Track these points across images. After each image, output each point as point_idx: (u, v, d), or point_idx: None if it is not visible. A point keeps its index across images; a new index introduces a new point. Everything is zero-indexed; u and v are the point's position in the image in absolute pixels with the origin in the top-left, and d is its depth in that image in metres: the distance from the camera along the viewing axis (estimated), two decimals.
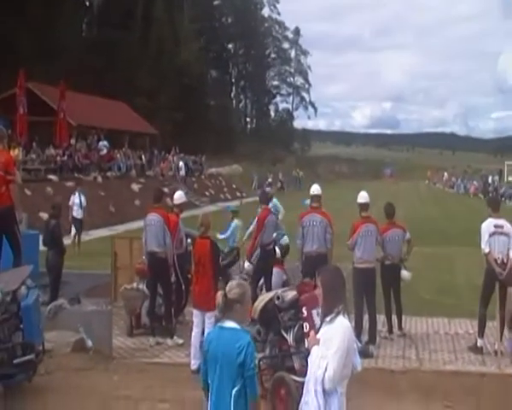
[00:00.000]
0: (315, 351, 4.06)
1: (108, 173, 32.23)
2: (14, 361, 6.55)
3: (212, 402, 3.88)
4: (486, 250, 8.51)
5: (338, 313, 4.03)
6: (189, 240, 9.86)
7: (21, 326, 6.75)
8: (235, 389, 3.77)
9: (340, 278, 4.20)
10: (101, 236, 21.15)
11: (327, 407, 3.93)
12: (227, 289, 4.00)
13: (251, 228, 11.16)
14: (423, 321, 10.36)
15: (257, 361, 3.98)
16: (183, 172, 39.97)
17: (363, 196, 9.38)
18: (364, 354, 7.79)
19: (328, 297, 4.10)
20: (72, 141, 31.52)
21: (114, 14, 51.46)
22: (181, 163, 40.55)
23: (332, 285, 4.12)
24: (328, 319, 4.08)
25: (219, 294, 4.01)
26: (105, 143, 33.93)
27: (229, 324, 3.91)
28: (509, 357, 8.36)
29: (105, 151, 33.30)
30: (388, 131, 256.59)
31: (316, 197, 9.67)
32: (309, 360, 4.13)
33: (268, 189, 21.73)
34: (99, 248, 16.71)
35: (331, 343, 3.96)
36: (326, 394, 3.92)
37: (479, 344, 8.73)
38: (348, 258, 9.36)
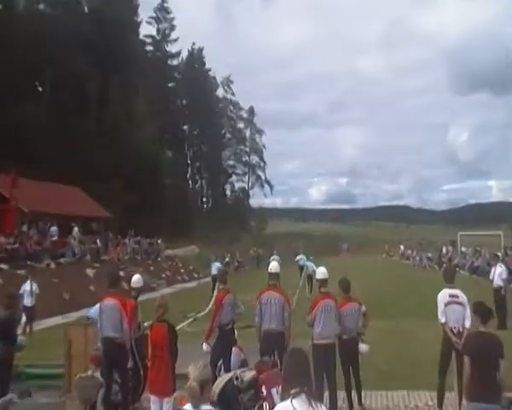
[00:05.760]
0: None
1: (62, 259, 31.51)
2: None
3: None
4: (443, 320, 8.61)
5: (292, 397, 3.80)
6: (145, 324, 9.67)
7: None
8: None
9: (296, 359, 4.00)
10: (55, 324, 20.52)
11: None
12: (196, 372, 3.89)
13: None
14: (383, 395, 10.27)
15: None
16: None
17: (321, 272, 9.49)
18: None
19: (285, 380, 3.97)
20: (25, 228, 30.97)
21: (68, 97, 51.46)
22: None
23: (288, 368, 3.97)
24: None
25: (192, 379, 3.87)
26: (55, 228, 33.44)
27: None
28: None
29: (56, 237, 32.82)
30: (345, 206, 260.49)
31: (273, 275, 9.72)
32: None
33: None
34: (52, 337, 16.14)
35: None
36: None
37: None
38: (307, 335, 9.32)
